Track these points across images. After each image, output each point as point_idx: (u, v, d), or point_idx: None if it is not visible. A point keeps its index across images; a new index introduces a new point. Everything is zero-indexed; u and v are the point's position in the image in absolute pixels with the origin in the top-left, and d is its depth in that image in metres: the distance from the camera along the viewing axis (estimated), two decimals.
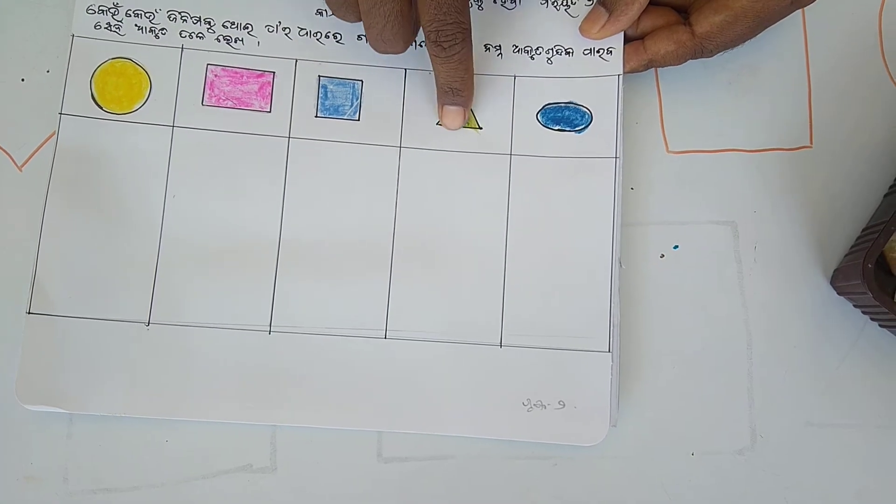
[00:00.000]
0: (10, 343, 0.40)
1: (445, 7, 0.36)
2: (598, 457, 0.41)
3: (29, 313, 0.40)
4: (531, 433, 0.40)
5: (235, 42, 0.43)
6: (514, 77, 0.43)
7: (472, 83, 0.41)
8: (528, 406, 0.41)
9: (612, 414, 0.40)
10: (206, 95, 0.42)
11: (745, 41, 0.41)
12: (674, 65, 0.42)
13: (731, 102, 0.44)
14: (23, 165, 0.42)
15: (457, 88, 0.40)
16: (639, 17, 0.42)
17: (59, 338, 0.40)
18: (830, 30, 0.45)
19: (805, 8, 0.42)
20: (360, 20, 0.38)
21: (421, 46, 0.43)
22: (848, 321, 0.42)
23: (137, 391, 0.40)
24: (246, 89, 0.42)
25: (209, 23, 0.43)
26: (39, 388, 0.40)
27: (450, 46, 0.38)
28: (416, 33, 0.40)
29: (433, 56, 0.39)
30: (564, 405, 0.41)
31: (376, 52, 0.39)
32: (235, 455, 0.40)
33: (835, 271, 0.42)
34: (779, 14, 0.40)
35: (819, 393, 0.42)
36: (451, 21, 0.37)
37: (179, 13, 0.43)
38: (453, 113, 0.42)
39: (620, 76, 0.42)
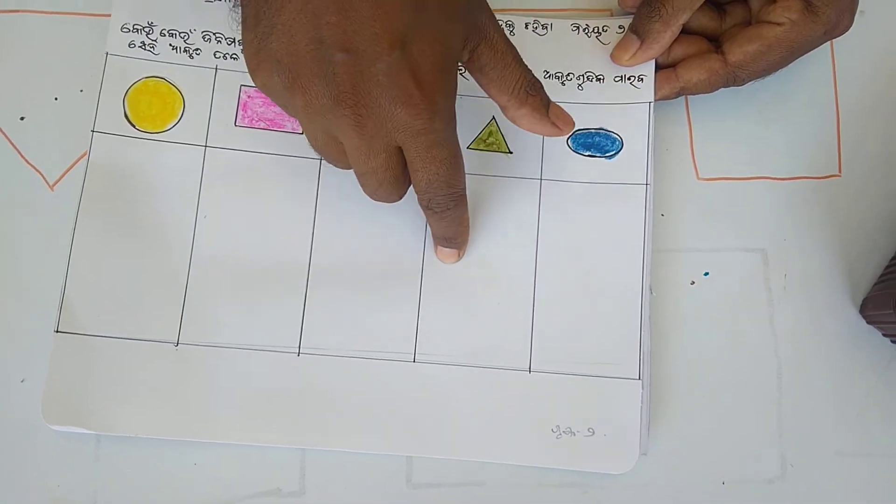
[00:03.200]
0: (38, 362, 0.40)
1: (437, 183, 0.35)
2: (628, 485, 0.41)
3: (57, 332, 0.40)
4: (560, 460, 0.40)
5: None
6: None
7: (467, 232, 0.41)
8: (558, 433, 0.40)
9: (643, 442, 0.40)
10: (239, 116, 0.42)
11: (777, 70, 0.41)
12: (705, 93, 0.42)
13: (760, 131, 0.44)
14: (55, 184, 0.42)
15: (450, 238, 0.40)
16: (670, 45, 0.42)
17: (86, 357, 0.40)
18: (858, 60, 0.45)
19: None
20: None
21: None
22: (876, 351, 0.42)
23: (165, 412, 0.40)
24: (279, 111, 0.42)
25: None
26: (66, 409, 0.39)
27: (441, 211, 0.37)
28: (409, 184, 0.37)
29: (425, 214, 0.38)
30: (594, 432, 0.40)
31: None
32: (264, 479, 0.40)
33: (864, 300, 0.42)
34: (811, 44, 0.41)
35: (849, 422, 0.42)
36: (442, 193, 0.36)
37: (214, 34, 0.43)
38: (447, 253, 0.41)
39: (651, 103, 0.43)
